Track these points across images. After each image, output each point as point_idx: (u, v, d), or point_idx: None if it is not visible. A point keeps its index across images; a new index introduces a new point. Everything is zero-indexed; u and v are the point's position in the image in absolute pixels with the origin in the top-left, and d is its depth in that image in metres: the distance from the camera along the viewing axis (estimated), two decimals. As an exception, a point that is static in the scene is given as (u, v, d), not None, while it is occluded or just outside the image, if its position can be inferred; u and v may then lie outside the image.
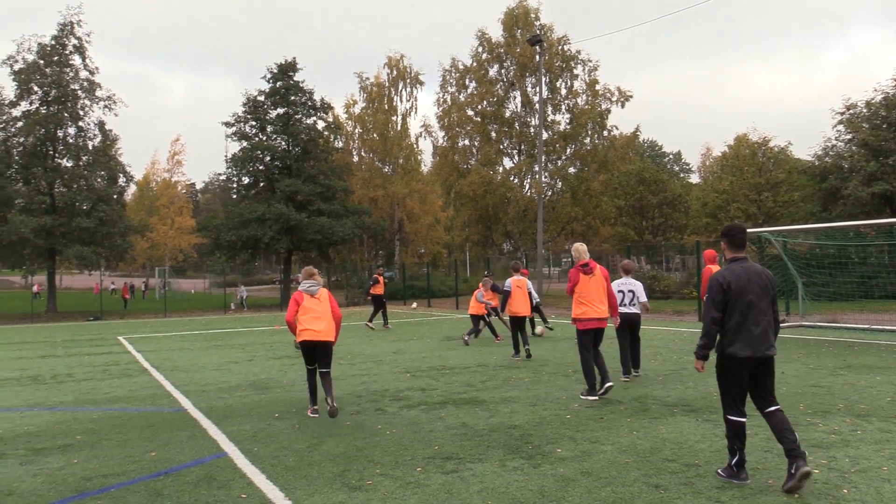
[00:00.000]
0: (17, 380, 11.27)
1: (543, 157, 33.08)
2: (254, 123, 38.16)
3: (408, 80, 47.30)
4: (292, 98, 38.16)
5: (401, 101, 47.40)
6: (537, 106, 33.16)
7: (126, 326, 25.06)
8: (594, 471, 5.19)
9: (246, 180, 39.39)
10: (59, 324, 27.74)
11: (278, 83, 37.98)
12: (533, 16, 35.90)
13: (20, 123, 32.57)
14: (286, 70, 38.05)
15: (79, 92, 33.64)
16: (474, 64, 36.68)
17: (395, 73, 47.05)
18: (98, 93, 34.22)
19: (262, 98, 38.18)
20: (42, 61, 32.75)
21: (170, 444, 6.45)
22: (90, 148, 34.28)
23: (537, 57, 32.34)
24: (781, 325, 16.03)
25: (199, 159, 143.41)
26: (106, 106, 34.53)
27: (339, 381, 9.90)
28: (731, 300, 4.85)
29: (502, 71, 36.34)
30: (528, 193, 35.23)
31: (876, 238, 20.85)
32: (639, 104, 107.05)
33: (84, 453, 6.21)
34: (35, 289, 44.44)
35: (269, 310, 34.72)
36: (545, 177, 33.84)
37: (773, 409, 4.83)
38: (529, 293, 12.92)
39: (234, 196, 41.76)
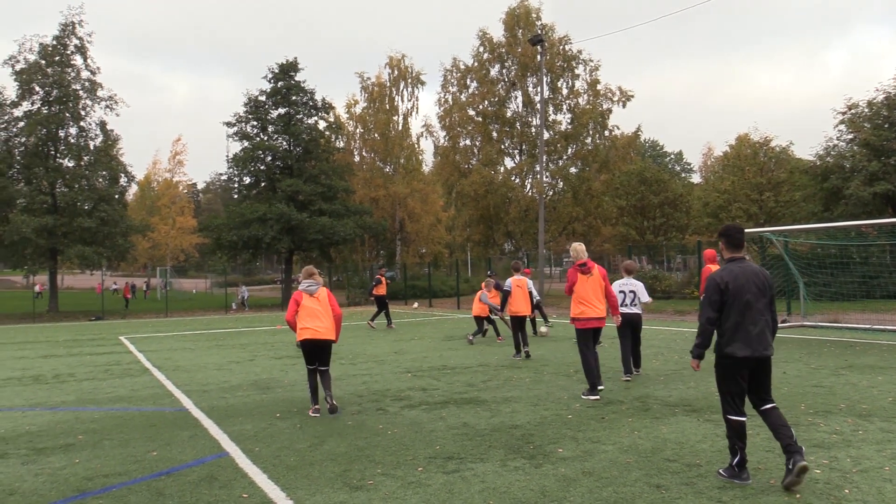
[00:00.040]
0: (19, 379, 11.29)
1: (545, 157, 33.07)
2: (255, 123, 38.19)
3: (409, 80, 47.35)
4: (293, 98, 38.19)
5: (402, 100, 47.50)
6: (538, 106, 33.15)
7: (127, 326, 25.09)
8: (595, 471, 5.19)
9: (247, 180, 39.44)
10: (61, 324, 27.77)
11: (279, 83, 38.01)
12: (534, 15, 35.87)
13: (22, 123, 32.64)
14: (287, 70, 38.07)
15: (80, 92, 33.70)
16: (475, 64, 36.66)
17: (396, 72, 47.09)
18: (99, 93, 34.32)
19: (263, 98, 38.21)
20: (43, 61, 32.81)
21: (171, 444, 6.46)
22: (92, 148, 34.34)
23: (538, 57, 32.33)
24: (783, 325, 15.85)
25: (200, 159, 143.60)
26: (107, 106, 34.64)
27: (340, 381, 9.91)
28: (728, 300, 4.87)
29: (503, 71, 36.32)
30: (530, 193, 35.21)
31: (877, 238, 20.83)
32: (640, 104, 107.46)
33: (86, 453, 6.22)
34: (37, 289, 44.50)
35: (271, 310, 34.73)
36: (546, 177, 33.82)
37: (768, 406, 4.87)
38: (530, 292, 13.00)
39: (236, 196, 41.81)
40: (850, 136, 28.75)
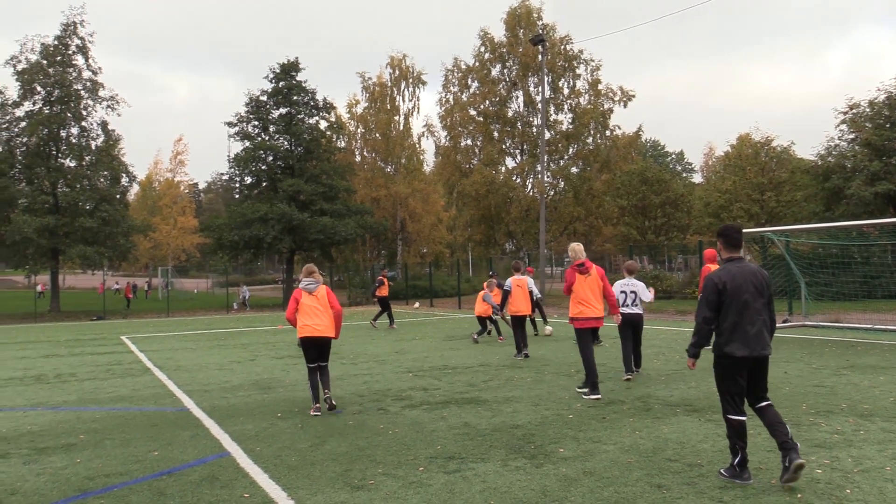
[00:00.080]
0: (21, 379, 11.30)
1: (546, 157, 33.06)
2: (256, 123, 38.20)
3: (410, 80, 47.35)
4: (295, 98, 38.19)
5: (403, 100, 47.50)
6: (540, 105, 33.15)
7: (129, 326, 25.11)
8: (597, 470, 5.19)
9: (248, 180, 39.44)
10: (63, 323, 27.79)
11: (281, 83, 38.02)
12: (535, 15, 35.85)
13: (23, 123, 32.68)
14: (289, 70, 38.07)
15: (82, 92, 33.74)
16: (477, 63, 36.65)
17: (397, 72, 47.10)
18: (101, 93, 34.36)
19: (264, 98, 38.21)
20: (45, 61, 32.85)
21: (172, 444, 6.47)
22: (93, 148, 34.37)
23: (540, 56, 32.32)
24: (785, 325, 15.79)
25: (201, 159, 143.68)
26: (109, 106, 34.68)
27: (341, 381, 9.91)
28: (726, 300, 4.89)
29: (505, 70, 36.31)
30: (531, 193, 35.21)
31: (879, 238, 20.82)
32: (641, 104, 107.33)
33: (87, 453, 6.23)
34: (39, 288, 44.51)
35: (272, 309, 34.75)
36: (547, 176, 33.82)
37: (764, 404, 4.90)
38: (530, 292, 13.06)
39: (237, 196, 41.81)
40: (852, 136, 28.72)
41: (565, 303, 8.69)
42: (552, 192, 34.75)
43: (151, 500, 4.85)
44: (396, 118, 47.04)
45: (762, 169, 36.25)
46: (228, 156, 40.79)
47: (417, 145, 48.95)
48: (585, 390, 8.30)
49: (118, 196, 35.00)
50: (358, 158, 47.62)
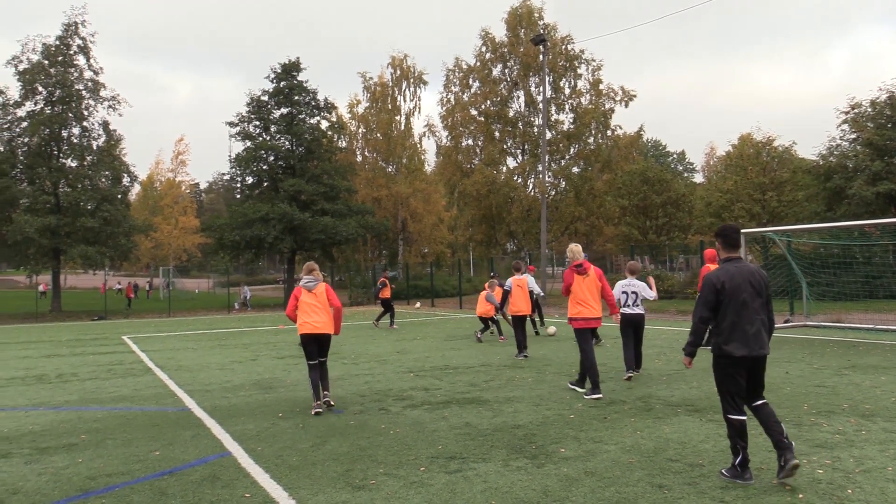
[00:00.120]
0: (23, 379, 11.32)
1: (547, 157, 33.06)
2: (257, 123, 38.19)
3: (411, 80, 47.34)
4: (296, 98, 38.18)
5: (404, 100, 47.48)
6: (541, 105, 33.15)
7: (130, 326, 25.13)
8: (598, 470, 5.19)
9: (250, 180, 39.44)
10: (64, 323, 27.82)
11: (282, 83, 38.01)
12: (536, 15, 35.87)
13: (25, 124, 32.69)
14: (290, 70, 38.06)
15: (83, 92, 33.74)
16: (478, 63, 36.66)
17: (398, 72, 47.08)
18: (102, 93, 34.36)
19: (265, 98, 38.20)
20: (46, 62, 32.86)
21: (174, 444, 6.47)
22: (94, 148, 34.38)
23: (541, 56, 32.31)
24: (786, 325, 15.76)
25: (202, 159, 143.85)
26: (110, 106, 34.67)
27: (342, 381, 9.92)
28: (724, 300, 4.91)
29: (506, 70, 36.32)
30: (532, 193, 35.21)
31: (880, 238, 20.80)
32: (642, 104, 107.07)
33: (89, 452, 6.23)
34: (41, 288, 44.55)
35: (273, 309, 34.75)
36: (549, 176, 33.81)
37: (760, 402, 4.93)
38: (531, 291, 13.09)
39: (238, 196, 41.79)
40: (853, 136, 28.68)
41: (566, 303, 8.70)
42: (553, 192, 34.75)
43: (153, 499, 4.85)
44: (398, 118, 47.03)
45: (763, 169, 36.21)
46: (230, 156, 40.77)
47: (419, 145, 48.98)
48: (583, 390, 8.33)
49: (119, 196, 35.02)
50: (359, 158, 47.61)
